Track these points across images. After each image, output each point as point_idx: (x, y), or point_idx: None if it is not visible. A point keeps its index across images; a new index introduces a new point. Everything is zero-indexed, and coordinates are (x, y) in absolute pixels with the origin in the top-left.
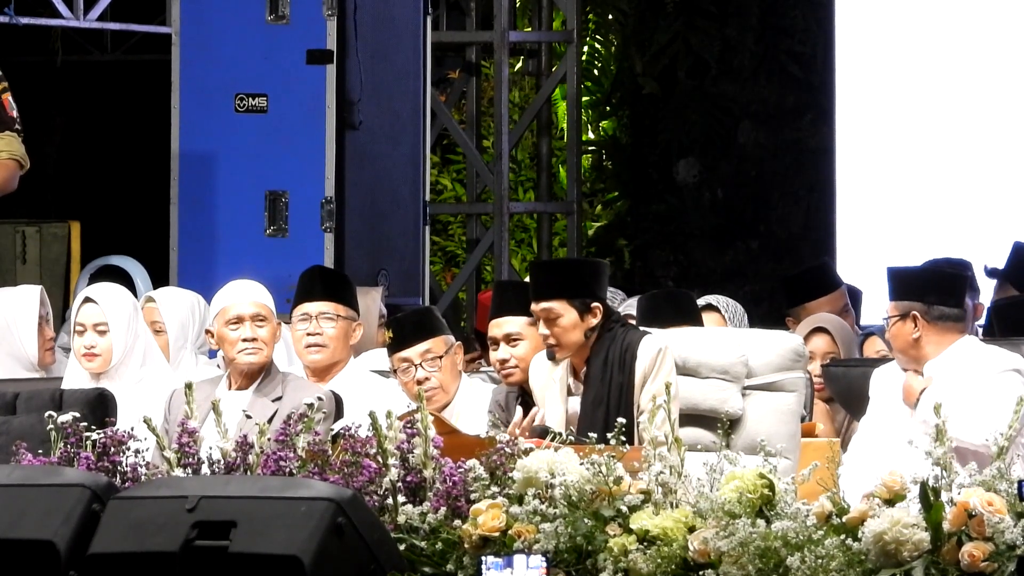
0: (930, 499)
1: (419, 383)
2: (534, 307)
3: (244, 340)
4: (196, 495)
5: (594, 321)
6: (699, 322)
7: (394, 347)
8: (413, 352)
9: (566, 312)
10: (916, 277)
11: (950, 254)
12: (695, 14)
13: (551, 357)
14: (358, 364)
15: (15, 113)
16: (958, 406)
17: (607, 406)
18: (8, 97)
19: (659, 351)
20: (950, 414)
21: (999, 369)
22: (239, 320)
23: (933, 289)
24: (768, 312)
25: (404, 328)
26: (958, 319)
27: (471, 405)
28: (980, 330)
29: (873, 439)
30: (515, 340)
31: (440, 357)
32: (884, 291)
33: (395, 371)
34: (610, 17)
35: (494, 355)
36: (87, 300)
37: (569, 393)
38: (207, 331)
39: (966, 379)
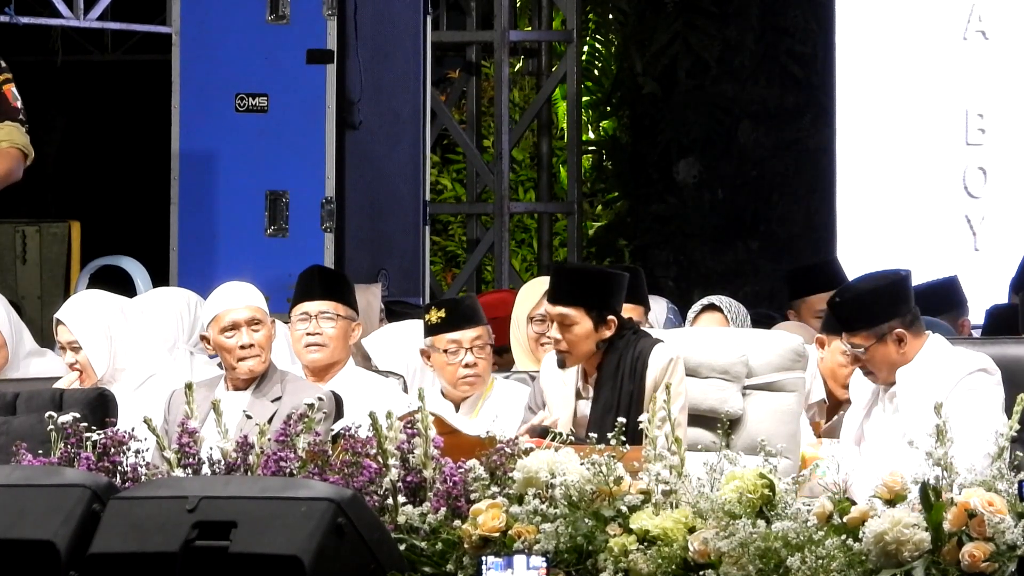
0: (931, 499)
1: (467, 367)
2: (549, 309)
3: (242, 347)
4: (196, 495)
5: (607, 334)
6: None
7: (445, 328)
8: (465, 336)
9: (582, 320)
10: (882, 297)
11: (950, 254)
12: (695, 14)
13: (561, 364)
14: (381, 334)
15: (19, 104)
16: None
17: (616, 413)
18: (12, 88)
19: (670, 360)
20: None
21: (966, 371)
22: (235, 327)
23: (902, 299)
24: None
25: (460, 311)
26: (920, 315)
27: (506, 406)
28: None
29: (856, 439)
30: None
31: (488, 345)
32: None
33: (428, 354)
34: (610, 17)
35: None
36: (58, 322)
37: (579, 396)
38: (202, 337)
39: (935, 387)
